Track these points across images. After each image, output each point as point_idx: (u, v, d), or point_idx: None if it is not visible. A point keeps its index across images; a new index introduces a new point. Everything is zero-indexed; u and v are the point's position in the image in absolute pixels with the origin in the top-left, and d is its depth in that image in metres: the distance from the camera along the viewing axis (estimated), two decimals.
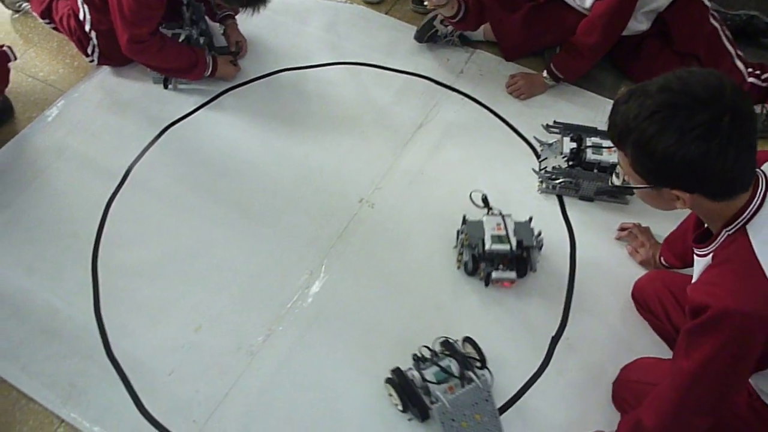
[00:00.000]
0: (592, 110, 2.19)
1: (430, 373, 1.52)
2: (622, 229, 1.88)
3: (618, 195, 1.93)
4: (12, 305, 1.74)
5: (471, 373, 1.51)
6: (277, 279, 1.80)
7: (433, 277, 1.80)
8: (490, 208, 1.82)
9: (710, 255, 1.18)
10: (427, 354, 1.57)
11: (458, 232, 1.83)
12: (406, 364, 1.56)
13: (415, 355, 1.57)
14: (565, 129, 2.02)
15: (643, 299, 1.71)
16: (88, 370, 1.63)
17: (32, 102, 2.20)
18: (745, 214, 1.11)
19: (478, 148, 2.10)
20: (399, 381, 1.53)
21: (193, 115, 2.17)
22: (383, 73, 2.31)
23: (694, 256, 1.25)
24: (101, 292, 1.76)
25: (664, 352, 1.65)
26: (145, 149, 2.08)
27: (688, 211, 1.47)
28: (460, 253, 1.80)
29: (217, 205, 1.95)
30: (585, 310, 1.75)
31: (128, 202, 1.95)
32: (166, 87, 2.22)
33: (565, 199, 1.97)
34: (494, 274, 1.72)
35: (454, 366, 1.52)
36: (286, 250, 1.86)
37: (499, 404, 1.58)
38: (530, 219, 1.79)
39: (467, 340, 1.63)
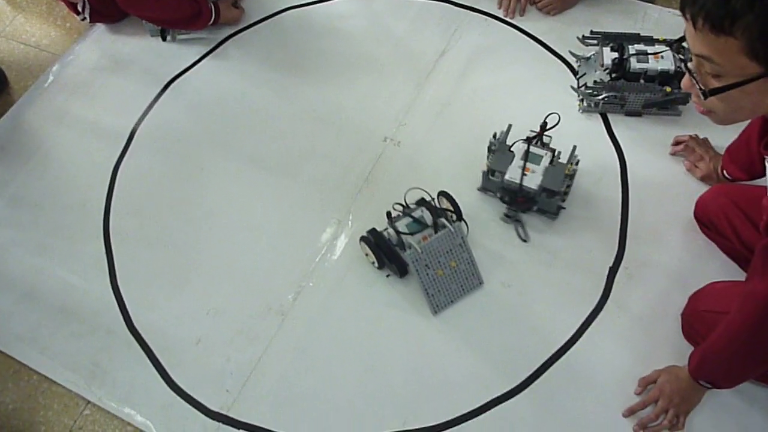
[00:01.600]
0: (631, 17, 1.98)
1: (402, 224, 1.48)
2: (677, 143, 1.69)
3: (669, 106, 1.74)
4: (25, 285, 1.64)
5: (444, 221, 1.48)
6: (302, 232, 1.66)
7: (470, 218, 1.64)
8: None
9: None
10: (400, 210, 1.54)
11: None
12: None
13: (388, 212, 1.52)
14: (604, 39, 1.80)
15: (707, 218, 1.53)
16: (111, 346, 1.53)
17: (26, 69, 2.08)
18: None
19: (508, 71, 1.91)
20: (374, 239, 1.50)
21: (196, 67, 2.02)
22: (397, 1, 2.12)
23: (766, 165, 1.07)
24: (116, 262, 1.65)
25: (736, 274, 1.48)
26: (149, 107, 1.94)
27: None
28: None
29: (231, 160, 1.81)
30: (643, 236, 1.58)
31: (136, 164, 1.83)
32: (164, 39, 2.07)
33: (610, 117, 1.78)
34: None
35: (426, 216, 1.49)
36: (310, 201, 1.71)
37: (556, 347, 1.44)
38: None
39: (442, 194, 1.58)
